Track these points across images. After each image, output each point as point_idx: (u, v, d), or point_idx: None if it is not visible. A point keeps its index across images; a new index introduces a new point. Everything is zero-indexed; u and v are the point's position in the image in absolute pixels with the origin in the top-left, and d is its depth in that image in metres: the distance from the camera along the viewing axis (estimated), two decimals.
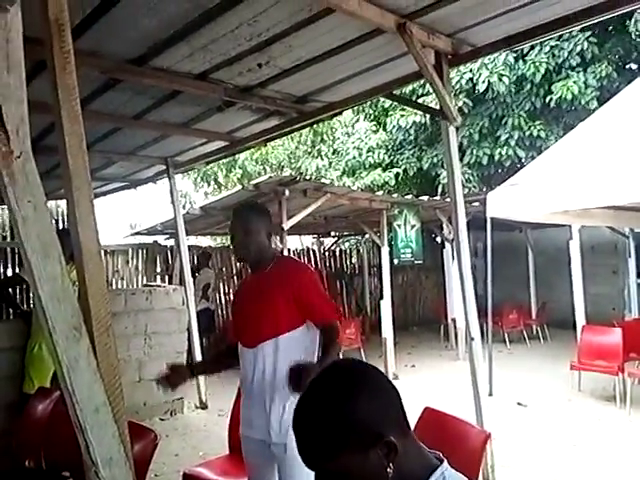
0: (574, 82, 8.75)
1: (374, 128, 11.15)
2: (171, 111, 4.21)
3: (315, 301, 2.12)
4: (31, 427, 3.03)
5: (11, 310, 5.31)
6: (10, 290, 4.89)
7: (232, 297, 2.81)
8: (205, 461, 3.07)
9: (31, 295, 6.52)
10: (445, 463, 0.94)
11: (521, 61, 9.30)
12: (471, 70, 9.31)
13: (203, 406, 5.61)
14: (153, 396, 5.15)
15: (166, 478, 3.63)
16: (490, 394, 5.34)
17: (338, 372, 0.97)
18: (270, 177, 6.30)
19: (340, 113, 4.40)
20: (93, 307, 1.49)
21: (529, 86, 9.36)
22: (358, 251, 12.34)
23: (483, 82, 9.11)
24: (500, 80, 8.99)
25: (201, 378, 5.72)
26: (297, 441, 0.92)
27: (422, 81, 9.25)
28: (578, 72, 8.94)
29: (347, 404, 0.89)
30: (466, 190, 8.78)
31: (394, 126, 10.42)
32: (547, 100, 9.12)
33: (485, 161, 9.65)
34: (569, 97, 8.73)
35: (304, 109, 4.19)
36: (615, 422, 4.78)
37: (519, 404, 5.46)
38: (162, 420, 5.02)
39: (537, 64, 8.90)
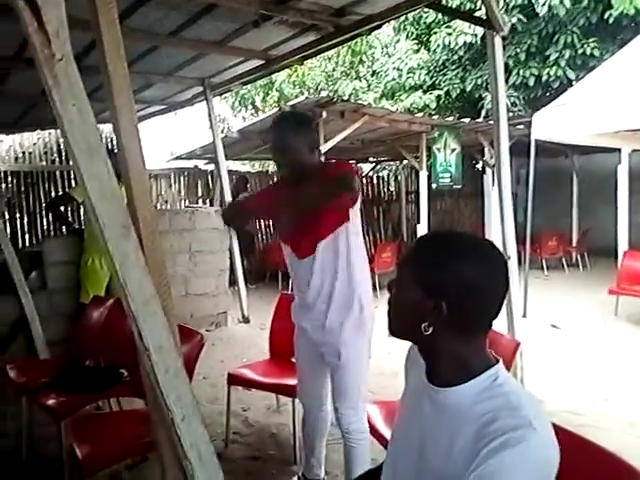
0: None
1: (415, 47, 10.62)
2: (206, 27, 4.13)
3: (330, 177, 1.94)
4: (89, 332, 3.29)
5: (64, 227, 5.61)
6: (62, 209, 5.14)
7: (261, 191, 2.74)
8: (247, 363, 3.30)
9: (82, 213, 6.84)
10: (500, 363, 0.98)
11: None
12: None
13: (245, 320, 5.92)
14: (199, 309, 5.48)
15: (213, 381, 3.92)
16: (524, 316, 5.40)
17: (486, 244, 1.02)
18: (307, 98, 6.20)
19: (379, 26, 4.20)
20: (139, 210, 1.58)
21: (587, 1, 8.59)
22: (396, 178, 12.19)
23: (543, 4, 8.42)
24: (561, 3, 8.29)
25: (243, 295, 5.99)
26: (414, 245, 1.05)
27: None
28: None
29: (459, 258, 0.96)
30: (511, 114, 8.40)
31: (439, 45, 9.87)
32: (605, 16, 8.37)
33: (532, 82, 9.12)
34: (631, 12, 7.97)
35: (342, 23, 4.03)
36: None
37: (553, 326, 5.50)
38: (208, 331, 5.34)
39: None
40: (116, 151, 1.67)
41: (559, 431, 0.94)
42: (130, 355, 1.68)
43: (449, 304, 0.94)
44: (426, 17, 10.37)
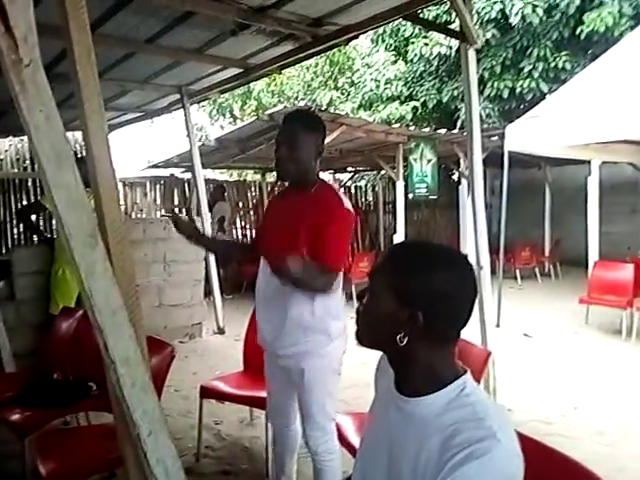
0: (608, 12, 8.22)
1: (393, 58, 10.77)
2: (184, 35, 4.11)
3: (325, 242, 1.89)
4: (57, 344, 3.20)
5: (35, 237, 5.48)
6: (34, 217, 5.02)
7: (266, 206, 2.68)
8: (221, 376, 3.25)
9: (53, 222, 6.69)
10: (468, 374, 0.98)
11: None
12: (502, 1, 8.85)
13: (221, 331, 5.85)
14: (173, 320, 5.39)
15: (185, 393, 3.85)
16: (497, 325, 5.47)
17: (455, 252, 1.03)
18: (285, 107, 6.22)
19: (357, 37, 4.25)
20: (107, 217, 1.55)
21: (559, 15, 8.86)
22: (373, 188, 12.28)
23: (516, 14, 8.65)
24: (534, 12, 8.53)
25: (219, 306, 5.93)
26: (387, 254, 1.04)
27: (446, 8, 8.97)
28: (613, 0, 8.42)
29: (435, 268, 0.96)
30: (485, 125, 8.57)
31: (416, 55, 10.05)
32: (577, 31, 8.65)
33: (506, 94, 9.34)
34: (602, 29, 8.25)
35: (319, 33, 4.05)
36: (619, 353, 4.88)
37: (525, 335, 5.58)
38: (181, 343, 5.26)
39: None
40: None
41: (525, 440, 0.94)
42: (99, 368, 1.64)
43: (425, 313, 0.93)
44: (404, 30, 10.54)
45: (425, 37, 9.83)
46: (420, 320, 0.93)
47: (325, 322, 1.97)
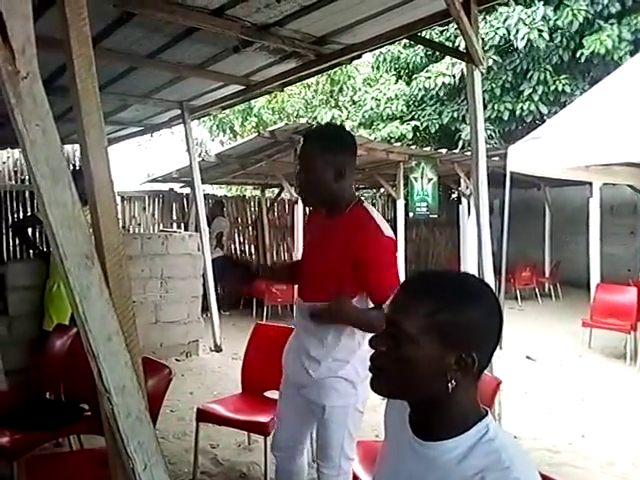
0: (608, 36, 8.31)
1: (393, 78, 10.83)
2: (186, 51, 4.10)
3: (372, 273, 1.77)
4: (50, 362, 3.11)
5: (30, 251, 5.39)
6: (30, 231, 4.94)
7: (304, 225, 2.49)
8: (218, 398, 3.15)
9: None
10: (490, 415, 0.92)
11: (556, 12, 8.86)
12: (506, 27, 8.90)
13: (218, 349, 5.73)
14: (169, 337, 5.29)
15: (181, 414, 3.74)
16: (500, 347, 5.35)
17: (477, 279, 0.97)
18: (286, 124, 6.19)
19: (360, 56, 4.24)
20: (105, 237, 1.48)
21: (560, 38, 8.94)
22: (373, 205, 12.24)
23: (522, 39, 8.70)
24: (540, 36, 8.58)
25: (216, 323, 5.83)
26: (412, 292, 0.92)
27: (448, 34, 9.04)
28: (612, 24, 8.49)
29: (476, 302, 0.89)
30: (488, 146, 8.57)
31: (419, 89, 10.13)
32: (577, 54, 8.73)
33: (506, 116, 9.37)
34: (602, 51, 8.33)
35: (322, 51, 4.04)
36: (624, 378, 4.79)
37: (528, 358, 5.49)
38: (178, 361, 5.15)
39: (575, 12, 8.44)
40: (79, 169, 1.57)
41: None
42: (92, 390, 1.56)
43: (476, 353, 0.86)
44: (404, 58, 10.64)
45: (428, 70, 9.87)
46: (473, 360, 0.86)
47: (357, 363, 1.85)
